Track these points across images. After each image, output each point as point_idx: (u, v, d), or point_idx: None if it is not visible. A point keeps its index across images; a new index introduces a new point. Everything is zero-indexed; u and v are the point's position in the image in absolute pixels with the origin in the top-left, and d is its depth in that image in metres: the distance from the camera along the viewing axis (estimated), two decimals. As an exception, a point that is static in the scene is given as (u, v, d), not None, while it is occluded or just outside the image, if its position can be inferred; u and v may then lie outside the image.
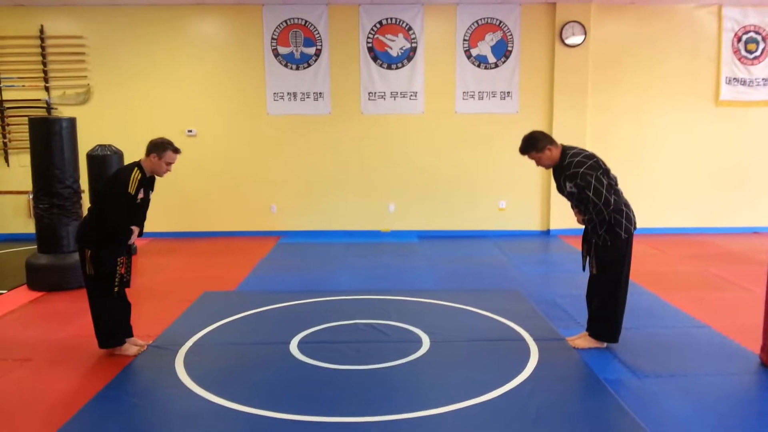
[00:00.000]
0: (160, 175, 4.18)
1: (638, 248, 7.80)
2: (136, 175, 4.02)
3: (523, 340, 4.40)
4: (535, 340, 4.38)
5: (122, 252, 4.15)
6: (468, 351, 4.21)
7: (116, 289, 4.13)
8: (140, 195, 4.07)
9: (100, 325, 4.17)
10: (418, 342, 4.35)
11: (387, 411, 3.34)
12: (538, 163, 4.32)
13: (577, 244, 8.02)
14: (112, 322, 4.16)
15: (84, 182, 7.24)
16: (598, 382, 3.68)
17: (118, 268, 4.11)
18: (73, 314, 5.16)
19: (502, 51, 8.48)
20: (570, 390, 3.60)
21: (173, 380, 3.73)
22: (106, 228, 4.02)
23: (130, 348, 4.20)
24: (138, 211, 4.15)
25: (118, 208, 4.00)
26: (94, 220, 4.07)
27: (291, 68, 8.47)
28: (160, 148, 4.09)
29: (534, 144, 4.24)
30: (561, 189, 4.34)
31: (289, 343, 4.34)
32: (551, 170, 4.44)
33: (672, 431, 3.16)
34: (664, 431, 3.14)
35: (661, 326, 4.83)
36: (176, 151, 4.13)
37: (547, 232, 8.77)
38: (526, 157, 4.33)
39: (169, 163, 4.12)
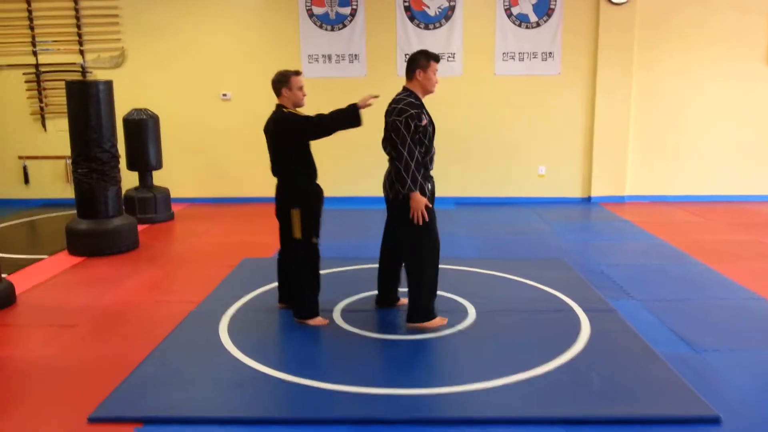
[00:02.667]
0: (302, 104, 4.03)
1: (682, 216, 7.61)
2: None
3: (572, 310, 4.26)
4: (585, 310, 4.24)
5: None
6: (517, 321, 4.09)
7: (315, 240, 4.03)
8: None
9: (310, 294, 4.02)
10: (464, 312, 4.24)
11: (435, 383, 3.26)
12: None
13: (620, 212, 7.81)
14: (314, 289, 4.07)
15: (119, 147, 7.24)
16: (656, 356, 3.54)
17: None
18: (114, 280, 5.17)
19: (545, 9, 8.13)
20: (628, 364, 3.46)
21: (218, 347, 3.69)
22: (310, 181, 4.00)
23: (319, 319, 4.08)
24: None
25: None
26: (291, 177, 3.99)
27: (326, 29, 8.26)
28: (285, 79, 3.96)
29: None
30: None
31: (332, 310, 4.27)
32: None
33: (736, 409, 3.02)
34: (728, 408, 3.00)
35: (714, 297, 4.64)
36: (297, 73, 4.01)
37: (588, 200, 8.53)
38: (438, 66, 3.95)
39: (300, 88, 3.98)
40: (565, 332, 3.88)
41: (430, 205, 3.84)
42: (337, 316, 4.18)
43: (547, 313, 4.24)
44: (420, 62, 3.82)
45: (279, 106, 4.01)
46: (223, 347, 3.68)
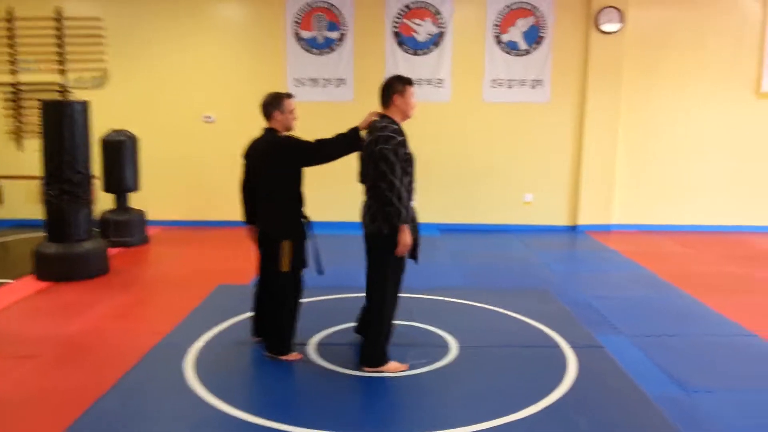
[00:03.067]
0: (293, 129, 3.85)
1: (670, 246, 7.50)
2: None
3: (558, 346, 4.08)
4: (571, 347, 4.05)
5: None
6: (500, 358, 3.90)
7: (300, 273, 3.85)
8: None
9: (286, 330, 3.80)
10: (445, 347, 4.05)
11: (410, 428, 3.05)
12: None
13: (607, 241, 7.68)
14: (292, 323, 3.86)
15: (96, 168, 7.04)
16: (646, 398, 3.35)
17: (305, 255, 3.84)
18: (81, 307, 4.93)
19: (534, 37, 8.09)
20: (616, 407, 3.27)
21: (181, 385, 3.46)
22: (298, 212, 3.79)
23: (293, 355, 3.86)
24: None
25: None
26: (283, 206, 3.76)
27: (314, 53, 8.15)
28: (277, 102, 3.78)
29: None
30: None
31: (307, 344, 4.06)
32: None
33: (732, 458, 2.84)
34: (723, 458, 2.82)
35: (704, 333, 4.48)
36: (290, 96, 3.84)
37: (573, 228, 8.40)
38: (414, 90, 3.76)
39: (292, 111, 3.81)
40: (551, 370, 3.69)
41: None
42: (312, 350, 3.97)
43: (532, 348, 4.05)
44: (395, 87, 3.66)
45: (269, 130, 3.80)
46: (186, 385, 3.45)
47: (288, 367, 3.72)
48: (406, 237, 3.50)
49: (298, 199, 3.80)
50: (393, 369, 3.66)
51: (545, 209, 8.40)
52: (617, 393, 3.43)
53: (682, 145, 8.26)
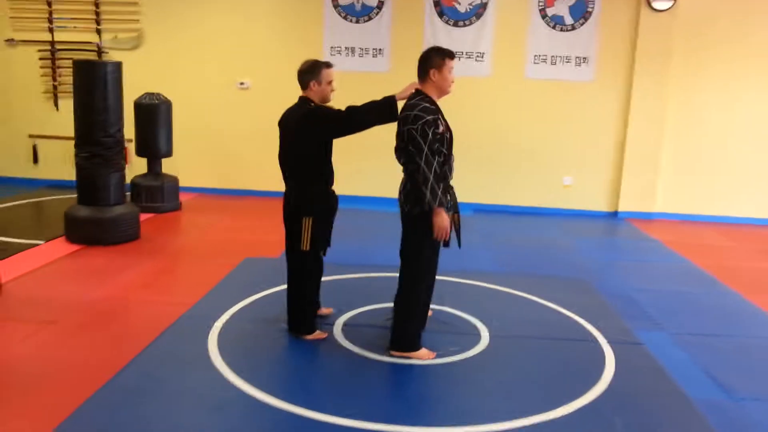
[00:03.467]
0: (330, 100, 3.66)
1: (715, 238, 7.16)
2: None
3: (595, 341, 3.88)
4: (609, 342, 3.85)
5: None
6: (534, 350, 3.72)
7: (322, 253, 3.74)
8: None
9: (301, 309, 3.71)
10: (476, 335, 3.89)
11: (438, 421, 2.91)
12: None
13: (649, 230, 7.39)
14: (311, 304, 3.78)
15: (129, 132, 6.98)
16: (689, 403, 3.16)
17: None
18: (109, 272, 4.89)
19: (581, 12, 7.71)
20: (656, 411, 3.08)
21: (203, 361, 3.37)
22: (324, 188, 3.64)
23: (318, 334, 3.75)
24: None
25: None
26: (307, 180, 3.60)
27: (351, 21, 7.91)
28: (315, 71, 3.57)
29: None
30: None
31: (333, 323, 3.94)
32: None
33: (782, 476, 2.64)
34: (772, 475, 2.62)
35: (752, 335, 4.23)
36: (329, 65, 3.63)
37: (614, 214, 8.10)
38: (453, 63, 3.48)
39: (330, 82, 3.61)
40: (588, 367, 3.51)
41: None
42: (338, 330, 3.85)
43: (568, 342, 3.86)
44: (434, 60, 3.41)
45: (304, 99, 3.60)
46: (209, 361, 3.36)
47: (313, 348, 3.61)
48: (442, 220, 3.32)
49: (324, 174, 3.62)
50: (422, 356, 3.52)
51: (585, 194, 8.10)
52: (657, 395, 3.24)
53: (730, 133, 7.84)
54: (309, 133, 3.52)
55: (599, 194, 8.14)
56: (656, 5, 7.49)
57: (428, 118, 3.29)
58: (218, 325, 3.83)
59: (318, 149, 3.57)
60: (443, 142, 3.38)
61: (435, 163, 3.28)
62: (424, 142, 3.26)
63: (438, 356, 3.55)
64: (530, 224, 7.46)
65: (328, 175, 3.65)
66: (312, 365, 3.44)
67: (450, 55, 3.45)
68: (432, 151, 3.28)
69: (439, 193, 3.28)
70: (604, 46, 7.75)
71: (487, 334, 3.91)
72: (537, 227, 7.32)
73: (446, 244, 3.57)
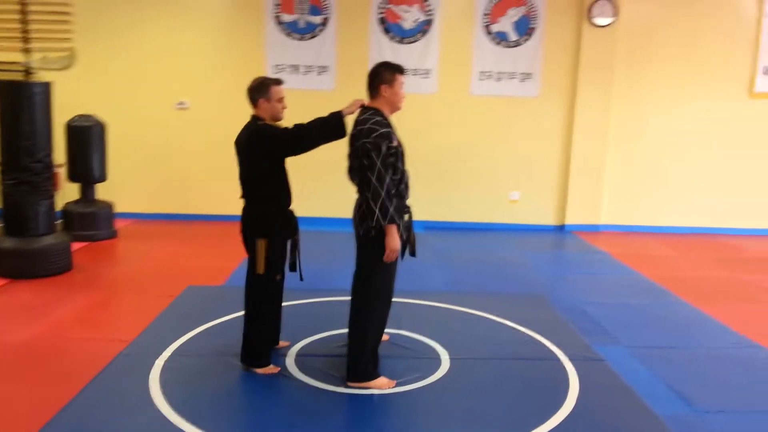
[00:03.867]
0: (281, 118, 3.47)
1: (661, 249, 7.28)
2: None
3: (557, 359, 3.79)
4: (571, 359, 3.77)
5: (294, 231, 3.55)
6: (496, 372, 3.60)
7: (279, 277, 3.48)
8: None
9: (256, 338, 3.48)
10: (436, 359, 3.74)
11: (405, 455, 2.73)
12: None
13: (595, 242, 7.45)
14: (267, 333, 3.53)
15: (61, 155, 6.60)
16: (657, 420, 3.08)
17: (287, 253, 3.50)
18: (37, 309, 4.52)
19: (525, 28, 7.79)
20: (627, 429, 3.00)
21: (145, 402, 3.09)
22: (280, 208, 3.42)
23: (272, 367, 3.52)
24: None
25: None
26: (261, 200, 3.40)
27: (294, 38, 7.75)
28: (263, 88, 3.40)
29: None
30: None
31: (286, 354, 3.72)
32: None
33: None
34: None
35: (707, 345, 4.24)
36: (279, 82, 3.45)
37: (561, 228, 8.15)
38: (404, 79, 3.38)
39: (280, 100, 3.43)
40: (552, 386, 3.41)
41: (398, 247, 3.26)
42: (291, 362, 3.63)
43: (530, 361, 3.76)
44: (384, 76, 3.29)
45: (254, 117, 3.44)
46: (152, 403, 3.09)
47: (265, 383, 3.38)
48: (393, 240, 3.18)
49: (279, 194, 3.44)
50: (380, 385, 3.34)
51: (532, 208, 8.13)
52: (625, 413, 3.16)
53: (673, 144, 8.05)
54: (257, 152, 3.36)
55: (546, 208, 8.19)
56: (597, 21, 7.64)
57: (382, 131, 3.17)
58: (160, 362, 3.55)
59: (270, 168, 3.39)
60: (398, 157, 3.26)
61: (388, 179, 3.14)
62: (377, 156, 3.13)
63: (398, 384, 3.38)
64: (480, 240, 7.41)
65: (283, 195, 3.47)
66: (265, 402, 3.20)
67: (400, 70, 3.35)
68: (385, 166, 3.14)
69: (391, 209, 3.14)
70: (548, 62, 7.85)
71: (447, 357, 3.77)
72: (487, 243, 7.28)
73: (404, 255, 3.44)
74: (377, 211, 3.12)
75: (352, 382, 3.35)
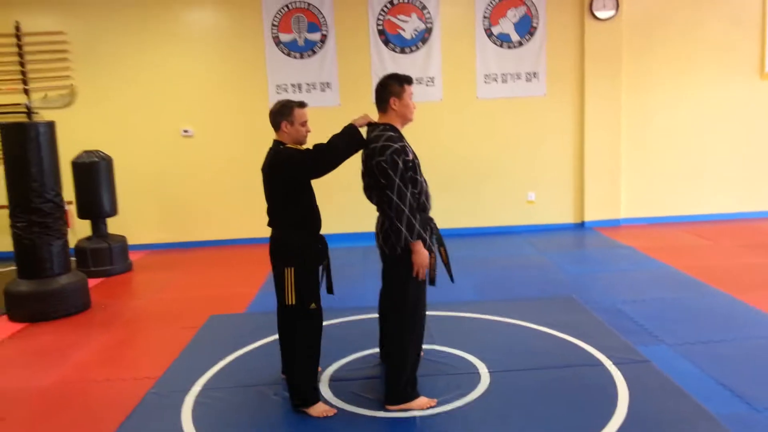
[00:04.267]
0: (305, 143, 3.32)
1: (686, 238, 7.11)
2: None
3: (601, 364, 3.64)
4: (615, 363, 3.61)
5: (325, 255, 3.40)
6: (540, 383, 3.44)
7: (313, 306, 3.27)
8: None
9: (302, 376, 3.24)
10: (475, 373, 3.59)
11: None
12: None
13: (618, 237, 7.29)
14: (314, 368, 3.32)
15: (69, 193, 6.51)
16: (715, 421, 2.92)
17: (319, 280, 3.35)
18: (58, 352, 4.40)
19: (527, 28, 7.68)
20: (685, 435, 2.85)
21: (180, 443, 2.97)
22: (310, 233, 3.28)
23: (322, 406, 3.25)
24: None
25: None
26: (291, 226, 3.25)
27: (294, 57, 7.67)
28: (286, 111, 3.25)
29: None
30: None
31: (319, 381, 3.58)
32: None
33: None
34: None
35: (753, 336, 4.07)
36: (302, 105, 3.30)
37: (581, 225, 8.00)
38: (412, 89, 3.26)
39: (304, 123, 3.29)
40: (600, 395, 3.25)
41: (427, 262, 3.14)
42: (324, 387, 3.49)
43: (573, 368, 3.61)
44: (392, 88, 3.18)
45: (276, 142, 3.29)
46: (187, 443, 2.96)
47: (301, 412, 3.23)
48: (420, 257, 3.07)
49: (306, 219, 3.29)
50: (421, 405, 3.20)
51: (550, 207, 7.99)
52: (682, 416, 3.00)
53: (686, 131, 7.91)
54: (281, 177, 3.21)
55: (564, 206, 8.04)
56: (599, 14, 7.54)
57: (396, 146, 3.06)
58: (190, 398, 3.41)
59: (295, 193, 3.24)
60: (416, 170, 3.14)
61: (408, 194, 3.03)
62: (394, 173, 3.02)
63: (439, 403, 3.23)
64: (501, 244, 7.27)
65: (310, 219, 3.32)
66: (303, 432, 3.07)
67: (408, 80, 3.23)
68: (404, 182, 3.03)
69: (417, 225, 3.03)
70: (553, 60, 7.73)
71: (486, 370, 3.62)
72: (508, 246, 7.13)
73: (432, 281, 3.32)
74: (404, 229, 3.01)
75: (391, 405, 3.21)
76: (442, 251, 3.38)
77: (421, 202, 3.17)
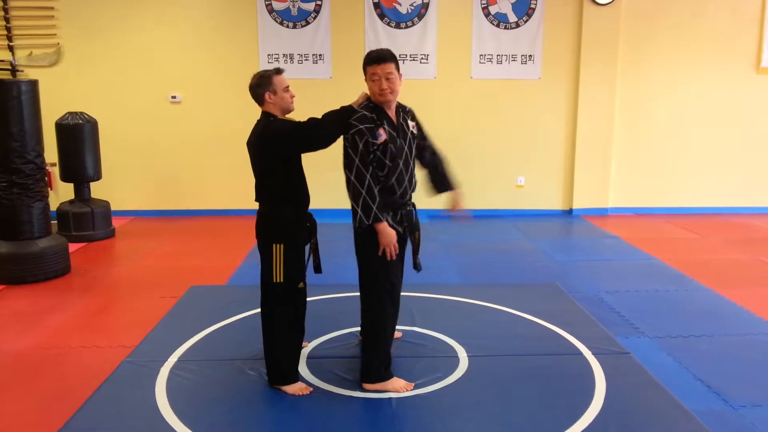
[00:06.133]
0: (292, 109, 3.22)
1: (673, 231, 7.12)
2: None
3: (579, 353, 3.63)
4: (594, 354, 3.61)
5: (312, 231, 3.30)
6: (518, 369, 3.43)
7: (301, 285, 3.20)
8: None
9: (283, 354, 3.19)
10: (454, 357, 3.57)
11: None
12: (392, 88, 3.07)
13: (605, 226, 7.29)
14: (297, 346, 3.27)
15: (52, 155, 6.40)
16: (691, 416, 2.92)
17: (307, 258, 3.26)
18: (35, 316, 4.34)
19: (525, 9, 7.57)
20: (661, 429, 2.84)
21: (152, 415, 2.92)
22: (299, 209, 3.19)
23: (299, 385, 3.20)
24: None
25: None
26: (279, 201, 3.14)
27: (287, 26, 7.53)
28: (265, 82, 3.12)
29: (396, 58, 3.16)
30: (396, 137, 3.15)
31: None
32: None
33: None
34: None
35: (735, 333, 4.07)
36: (279, 71, 3.18)
37: (569, 212, 7.99)
38: (378, 70, 3.04)
39: (286, 89, 3.17)
40: (577, 385, 3.24)
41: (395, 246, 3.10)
42: (302, 364, 3.45)
43: (552, 357, 3.60)
44: (364, 69, 3.10)
45: (264, 114, 3.18)
46: (158, 414, 2.92)
47: (275, 392, 3.20)
48: (384, 236, 3.04)
49: (296, 195, 3.20)
50: (396, 388, 3.17)
51: (539, 192, 7.96)
52: (657, 411, 2.99)
53: (680, 123, 7.88)
54: (270, 149, 3.10)
55: (553, 192, 8.02)
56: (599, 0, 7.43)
57: (361, 127, 3.00)
58: (165, 369, 3.37)
59: (284, 167, 3.14)
60: (385, 153, 3.06)
61: (369, 176, 2.99)
62: (354, 153, 3.01)
63: (417, 385, 3.21)
64: (487, 227, 7.24)
65: (299, 195, 3.23)
66: (279, 409, 3.03)
67: (369, 61, 3.08)
68: (364, 163, 2.99)
69: (374, 207, 2.99)
70: (550, 43, 7.64)
71: (465, 354, 3.60)
72: (495, 230, 7.11)
73: (415, 266, 3.32)
74: (360, 211, 2.99)
75: (367, 384, 3.19)
76: (415, 237, 3.34)
77: (388, 185, 3.11)
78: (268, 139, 3.09)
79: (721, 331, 4.07)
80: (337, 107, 3.14)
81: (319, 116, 3.10)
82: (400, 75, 3.13)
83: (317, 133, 3.07)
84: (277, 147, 3.08)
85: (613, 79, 7.68)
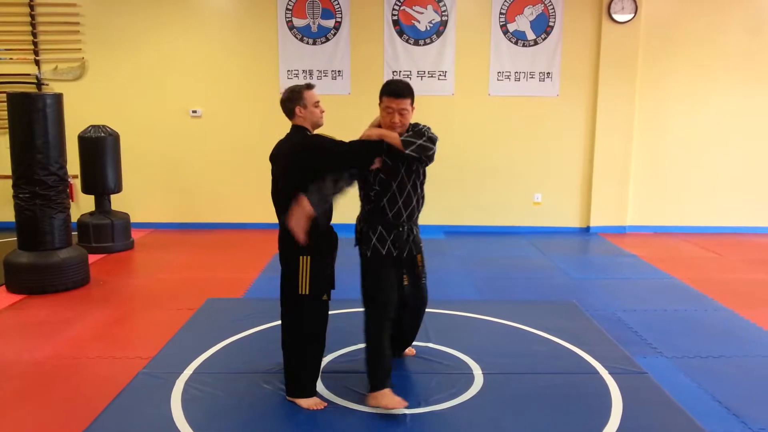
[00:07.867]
0: (321, 124, 3.25)
1: (691, 250, 7.05)
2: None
3: (596, 372, 3.60)
4: (611, 373, 3.57)
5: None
6: (534, 388, 3.40)
7: (325, 298, 3.22)
8: None
9: (305, 367, 3.19)
10: (469, 374, 3.55)
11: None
12: (402, 123, 3.18)
13: (623, 244, 7.23)
14: (318, 359, 3.28)
15: (74, 167, 6.51)
16: (710, 440, 2.88)
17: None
18: (54, 326, 4.39)
19: (543, 27, 7.59)
20: (678, 453, 2.81)
21: (168, 426, 2.94)
22: (325, 222, 3.20)
23: (314, 399, 3.21)
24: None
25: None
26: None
27: (307, 43, 7.61)
28: (296, 96, 3.16)
29: (413, 93, 3.23)
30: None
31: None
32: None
33: None
34: None
35: (755, 354, 4.01)
36: (310, 86, 3.22)
37: (586, 230, 7.94)
38: (393, 104, 3.15)
39: (317, 104, 3.20)
40: (593, 404, 3.21)
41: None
42: (318, 381, 3.45)
43: (568, 375, 3.56)
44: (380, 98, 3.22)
45: (296, 128, 3.20)
46: (172, 424, 2.93)
47: (291, 403, 3.20)
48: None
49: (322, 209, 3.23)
50: (391, 405, 3.09)
51: (556, 210, 7.93)
52: (675, 433, 2.96)
53: (699, 141, 7.81)
54: (306, 162, 3.09)
55: (570, 210, 7.98)
56: (617, 17, 7.44)
57: None
58: (181, 382, 3.39)
59: (312, 180, 3.13)
60: (375, 177, 3.21)
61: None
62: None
63: (431, 402, 3.20)
64: (504, 244, 7.22)
65: (325, 209, 3.26)
66: (294, 424, 3.03)
67: (386, 93, 3.17)
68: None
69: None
70: (568, 61, 7.65)
71: (480, 372, 3.58)
72: (511, 247, 7.08)
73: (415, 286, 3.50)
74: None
75: (369, 394, 3.17)
76: (410, 259, 3.38)
77: (380, 206, 3.25)
78: (303, 152, 3.10)
79: (740, 352, 4.01)
80: (356, 122, 3.18)
81: (340, 130, 3.15)
82: (413, 108, 3.20)
83: (353, 156, 3.14)
84: (315, 161, 3.08)
85: (632, 96, 7.65)
